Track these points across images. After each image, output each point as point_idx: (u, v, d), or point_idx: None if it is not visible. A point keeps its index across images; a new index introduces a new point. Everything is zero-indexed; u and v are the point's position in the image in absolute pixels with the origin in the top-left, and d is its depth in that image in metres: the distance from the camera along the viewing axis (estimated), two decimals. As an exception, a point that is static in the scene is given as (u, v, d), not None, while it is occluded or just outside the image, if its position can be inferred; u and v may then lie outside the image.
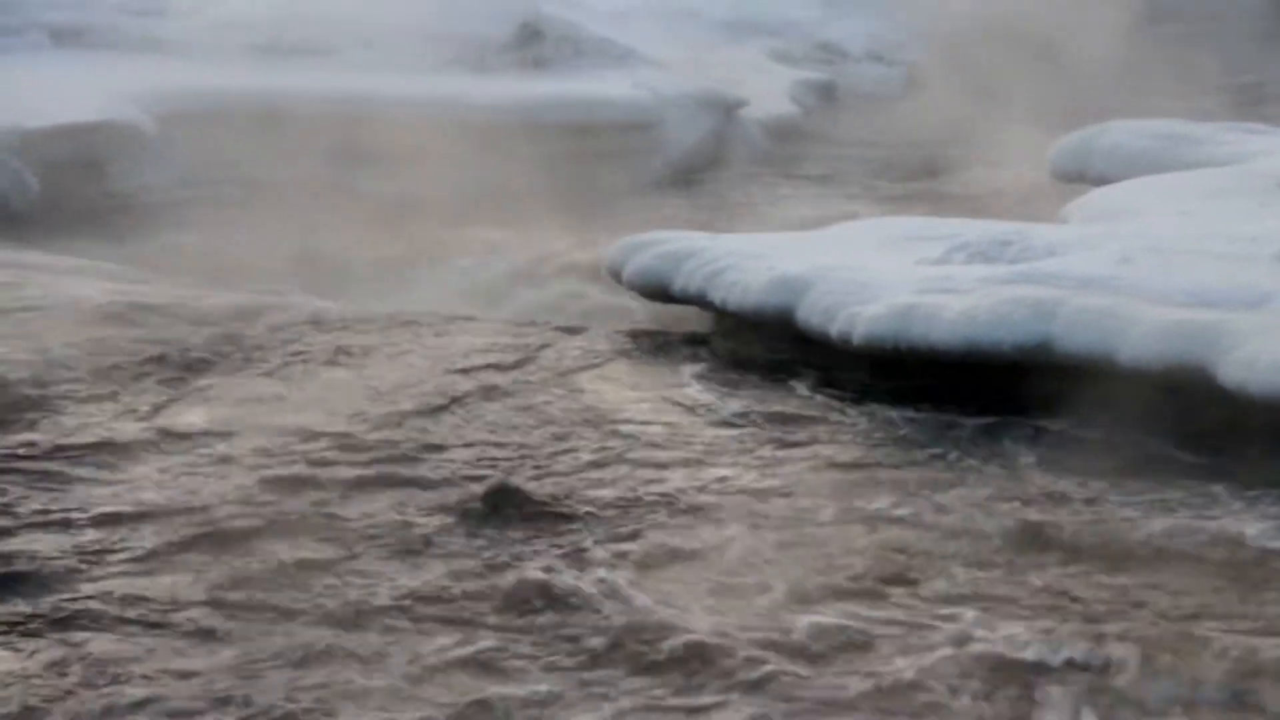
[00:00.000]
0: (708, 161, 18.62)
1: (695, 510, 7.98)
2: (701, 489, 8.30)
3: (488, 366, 10.66)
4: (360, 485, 8.25)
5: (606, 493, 8.21)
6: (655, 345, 11.49)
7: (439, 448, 8.93)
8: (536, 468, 8.65)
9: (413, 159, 16.68)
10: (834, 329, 10.44)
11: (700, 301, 11.54)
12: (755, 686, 6.10)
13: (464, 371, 10.46)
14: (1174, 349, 9.40)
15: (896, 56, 25.09)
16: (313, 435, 8.92)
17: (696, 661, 6.25)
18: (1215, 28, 28.50)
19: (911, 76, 24.33)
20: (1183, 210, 12.30)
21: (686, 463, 8.75)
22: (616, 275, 12.13)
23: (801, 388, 10.38)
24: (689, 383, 10.51)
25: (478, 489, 8.13)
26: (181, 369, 10.23)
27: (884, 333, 10.18)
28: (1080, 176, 15.04)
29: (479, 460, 8.73)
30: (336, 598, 6.85)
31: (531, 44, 19.91)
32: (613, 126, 18.00)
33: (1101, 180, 14.39)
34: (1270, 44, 24.97)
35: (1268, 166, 13.64)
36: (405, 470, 8.50)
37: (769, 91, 20.77)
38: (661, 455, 8.88)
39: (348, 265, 14.05)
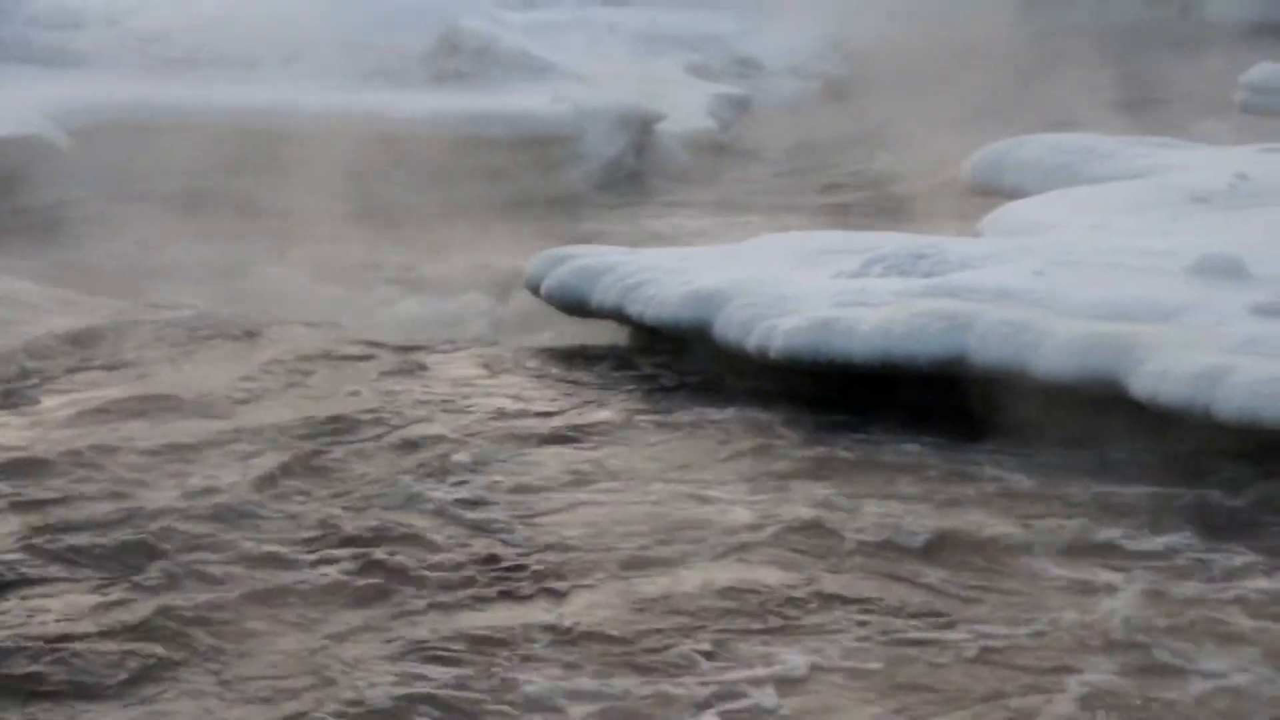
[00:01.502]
0: (626, 175, 18.63)
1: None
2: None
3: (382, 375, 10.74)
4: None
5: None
6: (558, 358, 11.51)
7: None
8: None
9: (330, 172, 16.59)
10: (751, 342, 10.46)
11: (618, 315, 11.53)
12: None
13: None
14: (1087, 361, 9.49)
15: (813, 70, 25.20)
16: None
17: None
18: (1133, 42, 28.83)
19: (828, 90, 24.45)
20: (1096, 223, 12.41)
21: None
22: (534, 289, 12.10)
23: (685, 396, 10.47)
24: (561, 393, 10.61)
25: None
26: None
27: (801, 346, 10.21)
28: (995, 189, 15.16)
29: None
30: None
31: (450, 57, 19.83)
32: (531, 140, 17.96)
33: (1016, 193, 14.51)
34: (1185, 57, 25.29)
35: (1179, 180, 13.80)
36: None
37: (687, 105, 20.80)
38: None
39: (249, 278, 13.97)
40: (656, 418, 10.09)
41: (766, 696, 6.36)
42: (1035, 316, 9.88)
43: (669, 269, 11.51)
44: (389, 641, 6.75)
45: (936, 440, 9.53)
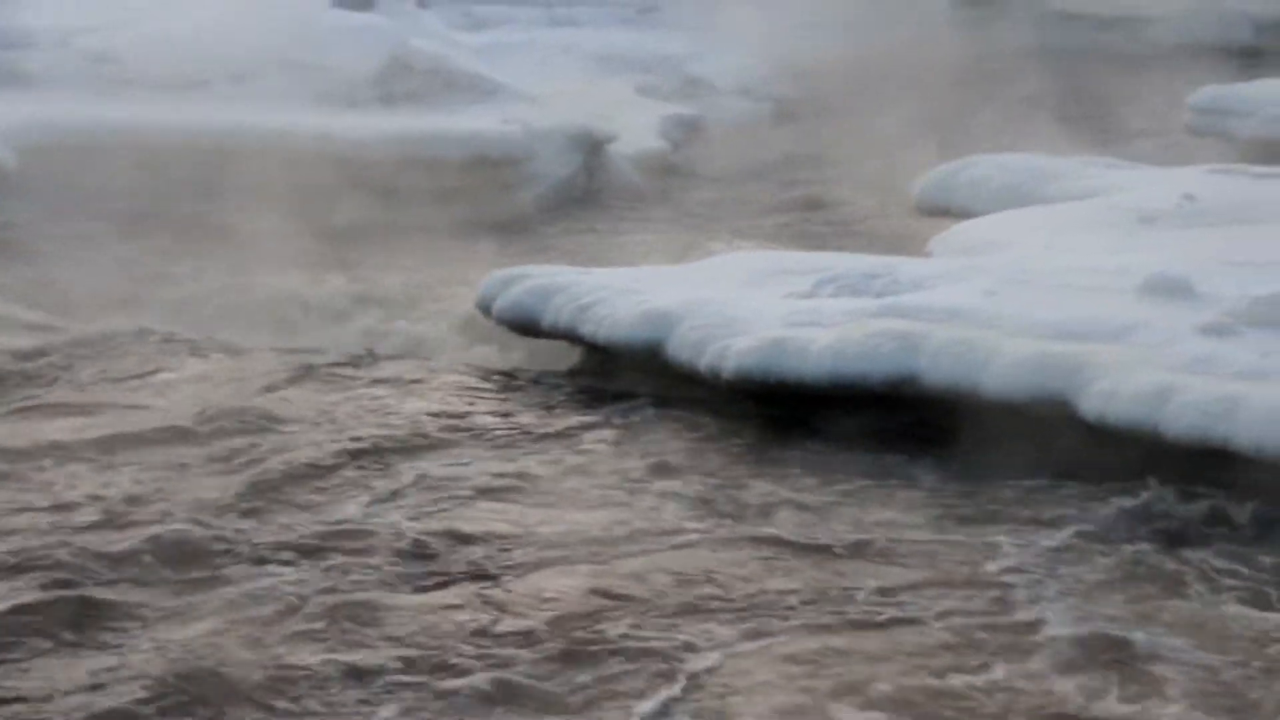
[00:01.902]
0: (578, 196, 18.62)
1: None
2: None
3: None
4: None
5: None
6: (506, 378, 11.51)
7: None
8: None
9: (280, 193, 16.51)
10: (703, 363, 10.47)
11: (570, 336, 11.53)
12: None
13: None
14: (1037, 381, 9.54)
15: (764, 91, 25.26)
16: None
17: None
18: (1082, 64, 29.04)
19: (779, 110, 24.52)
20: (1046, 243, 12.48)
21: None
22: (486, 310, 12.07)
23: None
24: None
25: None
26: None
27: (753, 366, 10.23)
28: (945, 210, 15.22)
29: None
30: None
31: (400, 78, 19.79)
32: (482, 161, 17.92)
33: (966, 213, 14.57)
34: (1134, 79, 25.48)
35: (1128, 201, 13.89)
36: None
37: (639, 126, 20.81)
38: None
39: (196, 297, 13.92)
40: (597, 433, 10.20)
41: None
42: (986, 336, 9.93)
43: (621, 289, 11.51)
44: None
45: (876, 456, 9.65)
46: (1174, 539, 8.45)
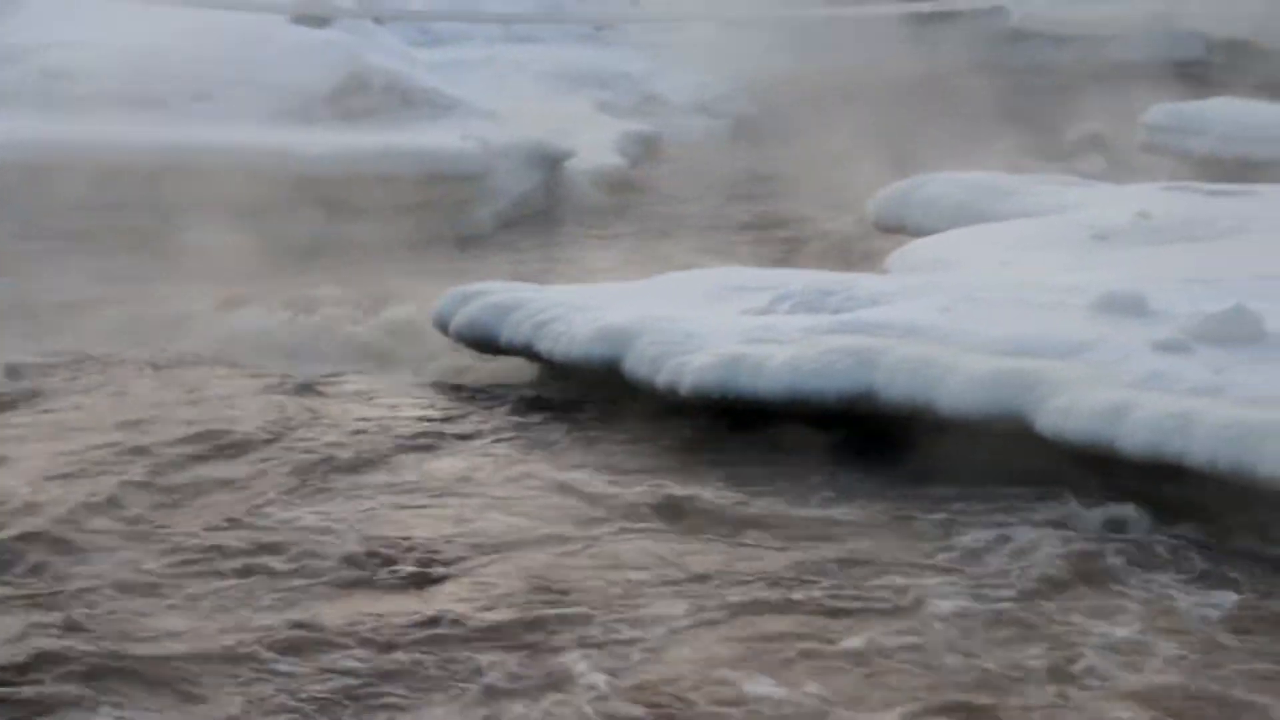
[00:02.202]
0: (536, 212, 18.62)
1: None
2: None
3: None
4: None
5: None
6: (458, 394, 11.53)
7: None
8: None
9: (238, 210, 16.46)
10: (660, 379, 10.48)
11: (528, 353, 11.53)
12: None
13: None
14: (993, 397, 9.58)
15: (721, 108, 25.32)
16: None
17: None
18: (1039, 81, 29.20)
19: (736, 128, 24.58)
20: (1001, 260, 12.55)
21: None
22: (443, 327, 12.06)
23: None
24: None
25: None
26: None
27: (710, 383, 10.25)
28: (900, 227, 15.29)
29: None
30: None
31: (358, 94, 19.76)
32: (440, 177, 17.90)
33: (921, 230, 14.63)
34: (1088, 97, 25.62)
35: (1083, 218, 13.98)
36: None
37: (596, 143, 20.82)
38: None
39: (151, 314, 13.88)
40: (540, 443, 10.35)
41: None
42: (942, 353, 9.97)
43: (579, 306, 11.51)
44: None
45: (826, 470, 9.77)
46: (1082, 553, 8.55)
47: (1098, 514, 8.97)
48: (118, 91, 19.15)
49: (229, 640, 7.31)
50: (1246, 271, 11.49)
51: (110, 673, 7.01)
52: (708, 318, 11.12)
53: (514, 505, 9.23)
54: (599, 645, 7.36)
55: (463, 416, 11.01)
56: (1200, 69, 29.31)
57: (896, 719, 6.76)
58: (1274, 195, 15.21)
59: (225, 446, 10.15)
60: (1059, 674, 7.16)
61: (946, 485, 9.43)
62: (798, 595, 7.96)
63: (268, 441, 10.27)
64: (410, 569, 8.25)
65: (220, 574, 8.12)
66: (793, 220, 18.26)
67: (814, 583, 8.11)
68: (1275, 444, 8.63)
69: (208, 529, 8.70)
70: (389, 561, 8.32)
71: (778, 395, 10.10)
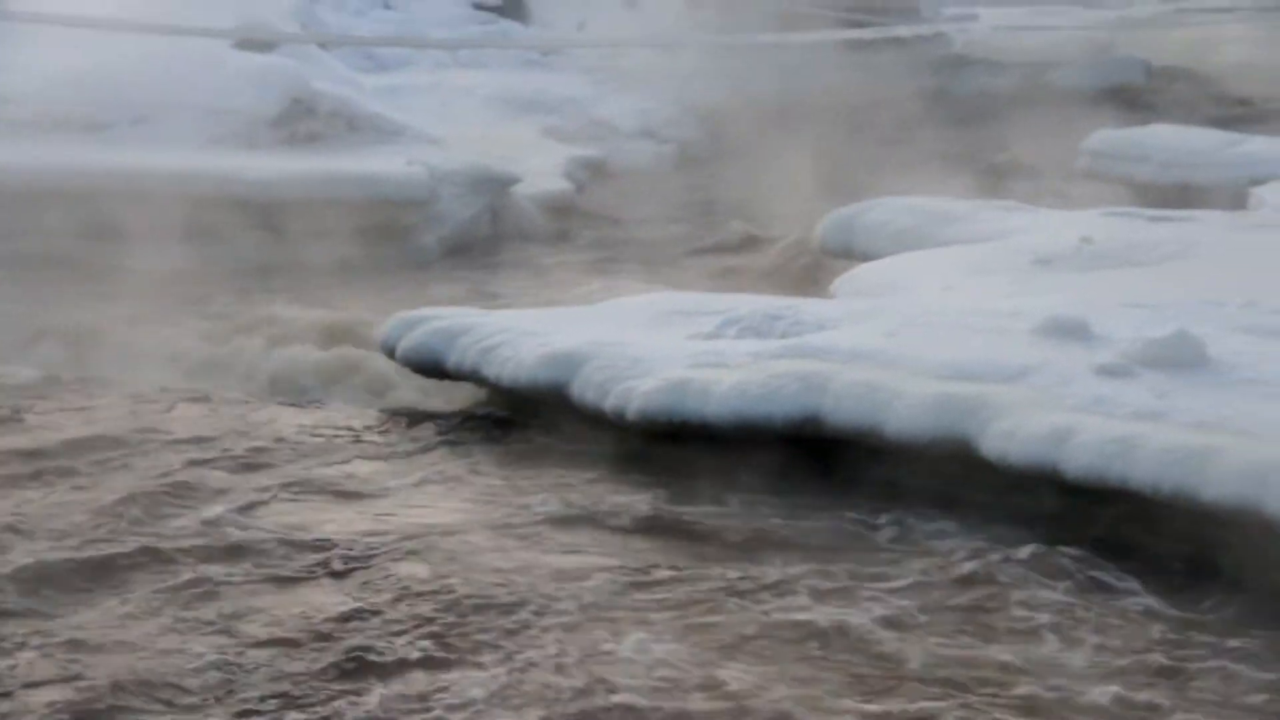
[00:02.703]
0: (482, 238, 18.60)
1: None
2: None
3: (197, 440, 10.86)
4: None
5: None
6: (401, 418, 11.54)
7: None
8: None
9: (182, 235, 16.40)
10: (608, 404, 10.48)
11: (474, 378, 11.51)
12: None
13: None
14: (938, 422, 9.63)
15: (667, 134, 25.37)
16: None
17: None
18: (981, 107, 29.40)
19: (683, 153, 24.65)
20: (946, 285, 12.61)
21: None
22: (390, 352, 12.03)
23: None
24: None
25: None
26: None
27: (658, 408, 10.25)
28: (847, 251, 15.35)
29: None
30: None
31: (303, 120, 19.72)
32: (386, 203, 17.87)
33: (867, 255, 14.70)
34: (1030, 123, 25.81)
35: (1026, 243, 14.07)
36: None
37: (543, 168, 20.83)
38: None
39: (92, 339, 13.82)
40: (473, 460, 10.52)
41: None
42: (888, 377, 10.02)
43: (526, 331, 11.51)
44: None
45: (772, 492, 9.86)
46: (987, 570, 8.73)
47: (1013, 533, 9.09)
48: (55, 115, 19.05)
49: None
50: (1188, 296, 11.60)
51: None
52: (655, 342, 11.13)
53: (438, 512, 9.49)
54: (506, 635, 7.76)
55: (401, 439, 11.04)
56: (1141, 95, 29.59)
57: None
58: (1214, 220, 15.37)
59: (152, 461, 10.30)
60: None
61: (877, 505, 9.56)
62: (698, 594, 8.25)
63: (192, 457, 10.41)
64: (327, 567, 8.59)
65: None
66: (739, 245, 18.31)
67: (715, 588, 8.38)
68: (1217, 468, 8.70)
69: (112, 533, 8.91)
70: (310, 560, 8.64)
71: (725, 420, 10.12)
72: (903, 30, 21.41)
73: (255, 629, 7.83)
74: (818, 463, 10.08)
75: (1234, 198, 17.58)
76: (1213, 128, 21.87)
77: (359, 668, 7.44)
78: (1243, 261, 13.33)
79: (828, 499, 9.76)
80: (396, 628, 7.86)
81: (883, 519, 9.45)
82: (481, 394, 11.74)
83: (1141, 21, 37.52)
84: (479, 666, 7.48)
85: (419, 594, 8.22)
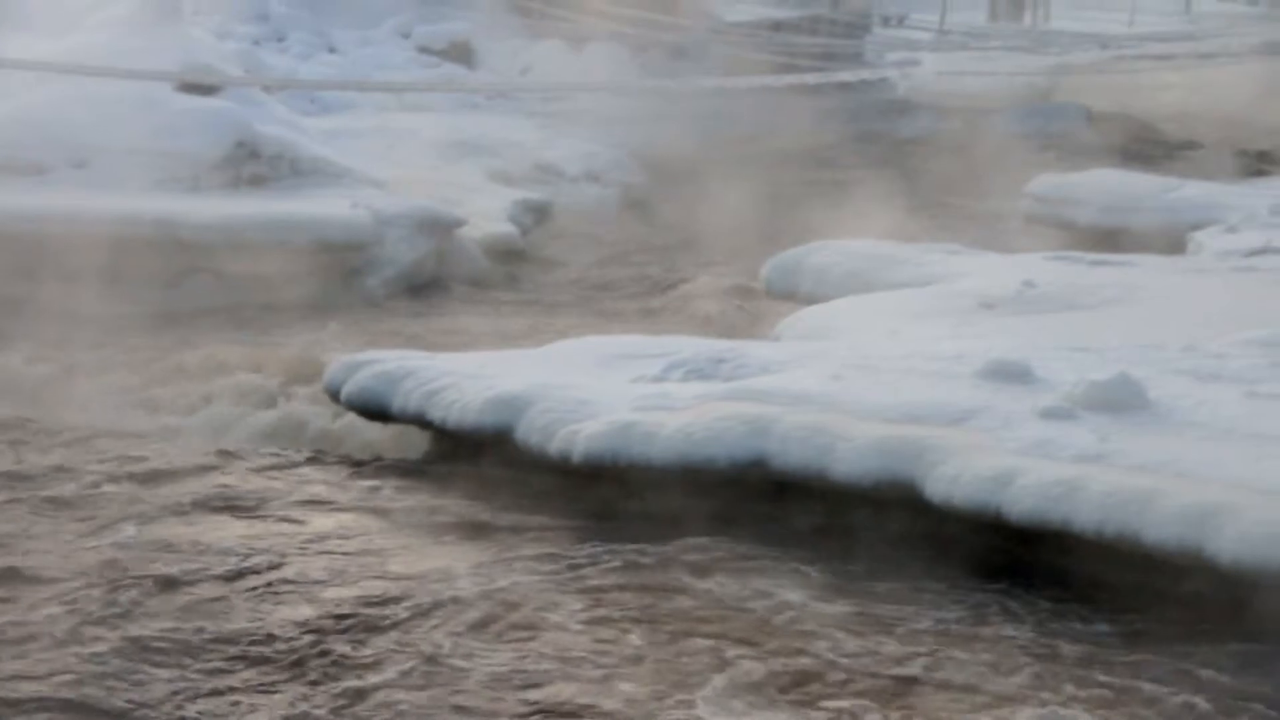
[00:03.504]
0: (427, 281, 18.55)
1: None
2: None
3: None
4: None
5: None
6: (345, 463, 11.53)
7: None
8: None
9: (122, 278, 16.28)
10: (553, 447, 10.48)
11: (419, 421, 11.48)
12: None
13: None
14: (883, 465, 9.67)
15: (612, 177, 25.38)
16: None
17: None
18: (924, 151, 29.60)
19: (627, 196, 24.68)
20: (890, 328, 12.68)
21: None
22: (334, 395, 11.99)
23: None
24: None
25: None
26: None
27: (603, 451, 10.25)
28: (791, 294, 15.41)
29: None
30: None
31: (247, 163, 19.64)
32: (330, 246, 17.79)
33: (812, 298, 14.76)
34: (973, 167, 26.01)
35: (969, 286, 14.17)
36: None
37: (488, 211, 20.79)
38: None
39: (24, 383, 13.73)
40: (399, 498, 10.58)
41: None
42: (833, 420, 10.05)
43: (470, 374, 11.49)
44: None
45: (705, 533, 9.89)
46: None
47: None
48: (-2, 159, 18.89)
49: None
50: (1129, 340, 11.70)
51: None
52: (600, 385, 11.14)
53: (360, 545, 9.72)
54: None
55: (337, 482, 11.00)
56: (1081, 140, 29.86)
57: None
58: (1154, 265, 15.53)
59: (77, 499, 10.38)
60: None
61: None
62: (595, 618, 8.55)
63: (114, 495, 10.46)
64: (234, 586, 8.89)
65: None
66: (685, 288, 18.33)
67: (627, 615, 8.65)
68: (1159, 511, 8.76)
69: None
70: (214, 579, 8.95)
71: (670, 463, 10.12)
72: (846, 75, 21.59)
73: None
74: (761, 505, 10.09)
75: (1173, 242, 17.76)
76: (1152, 173, 22.08)
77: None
78: (1182, 305, 13.47)
79: (775, 541, 9.76)
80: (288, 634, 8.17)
81: (853, 565, 9.46)
82: (426, 438, 11.69)
83: (1081, 68, 37.91)
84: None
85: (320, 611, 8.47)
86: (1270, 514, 8.55)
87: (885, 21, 45.80)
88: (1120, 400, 10.00)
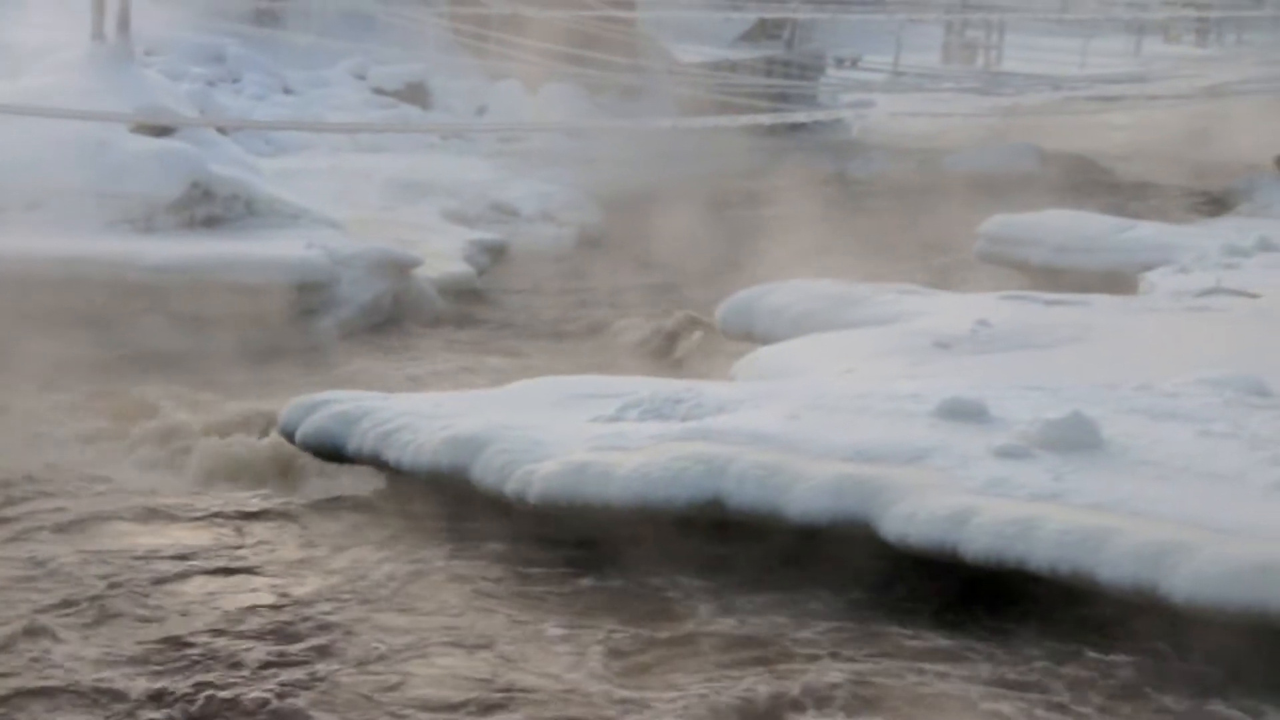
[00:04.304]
0: (383, 321, 18.50)
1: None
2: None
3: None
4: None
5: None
6: (296, 503, 11.48)
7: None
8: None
9: (76, 320, 16.18)
10: (509, 488, 10.44)
11: (375, 462, 11.42)
12: None
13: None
14: (839, 504, 9.68)
15: (568, 217, 25.40)
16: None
17: None
18: (878, 191, 29.74)
19: (583, 236, 24.70)
20: (846, 368, 12.70)
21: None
22: (289, 436, 11.93)
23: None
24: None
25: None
26: None
27: (558, 491, 10.23)
28: (747, 334, 15.43)
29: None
30: None
31: (201, 203, 19.56)
32: (286, 286, 17.74)
33: (768, 338, 14.78)
34: (927, 207, 26.14)
35: (924, 326, 14.22)
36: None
37: (444, 251, 20.78)
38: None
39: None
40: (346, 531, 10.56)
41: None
42: (789, 460, 10.05)
43: (426, 414, 11.45)
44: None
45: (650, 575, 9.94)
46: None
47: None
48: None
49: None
50: (1083, 379, 11.76)
51: None
52: (556, 425, 11.11)
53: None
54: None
55: (289, 524, 10.97)
56: (1034, 181, 30.04)
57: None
58: (1107, 304, 15.62)
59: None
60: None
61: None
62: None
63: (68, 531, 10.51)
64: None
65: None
66: (640, 328, 18.33)
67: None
68: (1113, 549, 8.80)
69: None
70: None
71: (627, 503, 10.10)
72: (801, 116, 21.71)
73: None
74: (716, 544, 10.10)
75: (1125, 282, 17.88)
76: (1104, 213, 22.23)
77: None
78: (1136, 345, 13.55)
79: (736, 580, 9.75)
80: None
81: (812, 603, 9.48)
82: (381, 479, 11.64)
83: (1033, 109, 38.20)
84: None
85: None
86: (1223, 553, 8.59)
87: (839, 63, 46.08)
88: (1075, 439, 10.04)
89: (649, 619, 9.24)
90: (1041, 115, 36.78)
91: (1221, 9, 55.76)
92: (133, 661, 8.71)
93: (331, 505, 11.42)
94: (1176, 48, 63.57)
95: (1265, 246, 18.80)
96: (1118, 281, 17.99)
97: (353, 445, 11.47)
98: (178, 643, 8.95)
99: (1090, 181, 30.63)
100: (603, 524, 10.18)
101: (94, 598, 9.61)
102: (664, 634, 9.02)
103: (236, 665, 8.66)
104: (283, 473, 12.42)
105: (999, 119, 36.58)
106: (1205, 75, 37.56)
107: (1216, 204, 28.16)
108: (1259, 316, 14.97)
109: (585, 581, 9.80)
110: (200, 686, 8.34)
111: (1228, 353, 12.65)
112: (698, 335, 17.05)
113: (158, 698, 8.27)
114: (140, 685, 8.41)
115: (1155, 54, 56.74)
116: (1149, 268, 18.16)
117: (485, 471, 10.63)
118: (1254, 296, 15.85)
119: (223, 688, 8.32)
